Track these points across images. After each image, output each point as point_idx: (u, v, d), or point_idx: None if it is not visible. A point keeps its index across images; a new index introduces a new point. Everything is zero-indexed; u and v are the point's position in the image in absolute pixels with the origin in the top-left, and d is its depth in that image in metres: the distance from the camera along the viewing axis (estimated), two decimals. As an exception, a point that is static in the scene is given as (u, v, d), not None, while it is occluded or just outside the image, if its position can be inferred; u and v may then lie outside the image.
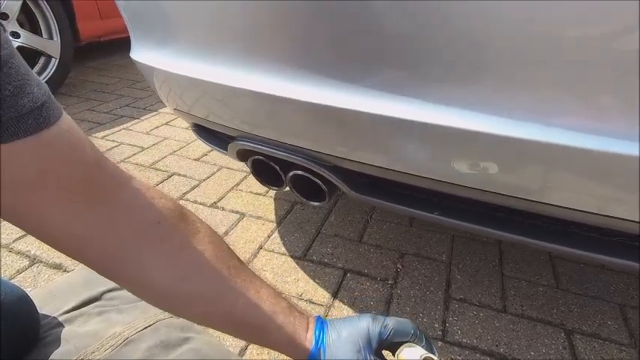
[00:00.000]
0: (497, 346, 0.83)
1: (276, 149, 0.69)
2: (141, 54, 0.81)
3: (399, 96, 0.52)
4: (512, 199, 0.56)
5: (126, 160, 1.58)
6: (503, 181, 0.54)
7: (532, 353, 0.81)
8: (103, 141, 1.75)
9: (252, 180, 1.46)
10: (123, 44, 3.29)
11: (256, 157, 0.79)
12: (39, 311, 0.73)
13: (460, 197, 0.63)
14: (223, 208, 1.28)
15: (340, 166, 0.65)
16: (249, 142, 0.73)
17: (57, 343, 0.71)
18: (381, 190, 0.69)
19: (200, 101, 0.76)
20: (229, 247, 0.51)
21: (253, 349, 0.80)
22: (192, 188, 1.40)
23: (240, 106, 0.69)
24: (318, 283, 0.98)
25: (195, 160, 1.61)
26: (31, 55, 2.10)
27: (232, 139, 0.79)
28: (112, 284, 0.81)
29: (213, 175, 1.49)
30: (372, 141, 0.57)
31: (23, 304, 0.69)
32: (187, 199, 1.33)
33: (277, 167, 0.77)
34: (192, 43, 0.70)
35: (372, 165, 0.60)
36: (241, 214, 1.25)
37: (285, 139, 0.67)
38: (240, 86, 0.64)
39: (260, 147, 0.71)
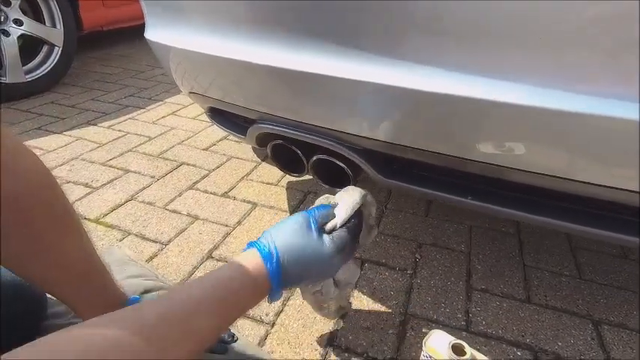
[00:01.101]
0: (523, 336, 0.81)
1: (301, 132, 0.66)
2: (156, 33, 0.78)
3: (436, 68, 0.49)
4: (542, 178, 0.54)
5: (133, 150, 1.55)
6: (533, 157, 0.52)
7: (559, 344, 0.79)
8: (109, 130, 1.72)
9: (262, 170, 1.43)
10: (125, 35, 3.26)
11: (277, 141, 0.76)
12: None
13: (493, 179, 0.60)
14: (235, 198, 1.26)
15: (369, 149, 0.63)
16: (272, 124, 0.70)
17: None
18: (410, 174, 0.66)
19: (219, 81, 0.73)
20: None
21: (273, 340, 0.78)
22: (202, 178, 1.37)
23: (262, 84, 0.66)
24: (335, 273, 0.96)
25: (203, 149, 1.58)
26: (33, 44, 2.06)
27: (252, 122, 0.76)
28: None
29: (222, 164, 1.47)
30: (410, 119, 0.54)
31: (31, 287, 0.67)
32: (198, 189, 1.30)
33: (299, 152, 0.74)
34: (211, 19, 0.67)
35: (408, 146, 0.57)
36: (253, 204, 1.23)
37: (311, 120, 0.64)
38: (263, 62, 0.61)
39: (284, 130, 0.68)
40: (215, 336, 0.50)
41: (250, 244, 0.55)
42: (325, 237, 0.56)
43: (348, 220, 0.56)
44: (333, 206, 0.59)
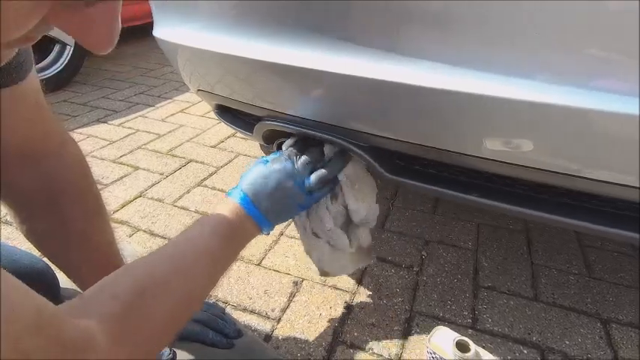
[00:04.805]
0: (529, 334, 0.80)
1: (307, 128, 0.66)
2: (164, 31, 0.78)
3: (440, 64, 0.49)
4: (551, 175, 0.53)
5: (143, 147, 1.57)
6: (540, 154, 0.52)
7: (567, 342, 0.78)
8: (119, 128, 1.74)
9: (270, 167, 1.44)
10: (135, 33, 3.29)
11: (283, 139, 0.76)
12: (61, 285, 0.72)
13: (499, 176, 0.60)
14: (242, 195, 1.27)
15: (375, 146, 0.63)
16: (278, 121, 0.70)
17: None
18: (417, 172, 0.66)
19: (226, 79, 0.74)
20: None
21: (279, 336, 0.79)
22: (210, 175, 1.39)
23: (268, 81, 0.67)
24: (341, 270, 0.96)
25: (212, 147, 1.59)
26: (46, 42, 2.10)
27: (259, 119, 0.76)
28: None
29: (230, 161, 1.48)
30: (415, 116, 0.54)
31: (43, 275, 0.68)
32: (206, 186, 1.31)
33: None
34: (217, 16, 0.67)
35: (414, 143, 0.57)
36: (261, 201, 1.23)
37: (316, 117, 0.64)
38: (269, 59, 0.62)
39: (290, 126, 0.68)
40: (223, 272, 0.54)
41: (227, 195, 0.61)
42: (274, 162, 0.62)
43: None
44: None
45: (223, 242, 0.53)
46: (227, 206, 0.57)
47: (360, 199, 0.66)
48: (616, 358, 0.76)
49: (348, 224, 0.71)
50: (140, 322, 0.39)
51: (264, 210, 0.58)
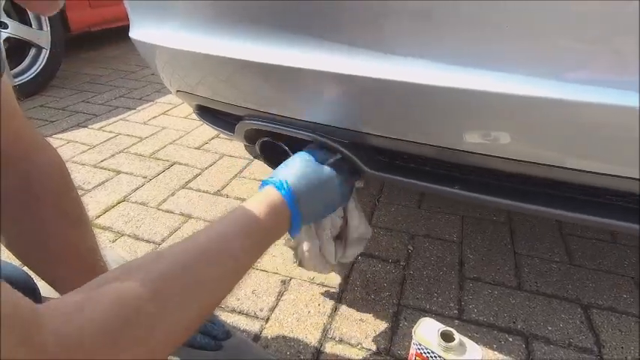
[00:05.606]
0: (514, 322, 0.82)
1: (287, 127, 0.66)
2: (141, 32, 0.77)
3: (417, 60, 0.50)
4: (531, 167, 0.54)
5: (125, 151, 1.55)
6: (518, 145, 0.52)
7: (549, 328, 0.80)
8: (100, 132, 1.71)
9: (254, 167, 1.43)
10: (115, 35, 3.23)
11: (265, 139, 0.76)
12: (42, 295, 0.71)
13: (480, 169, 0.61)
14: (227, 196, 1.26)
15: (356, 142, 0.63)
16: (258, 120, 0.70)
17: None
18: (398, 167, 0.67)
19: (205, 79, 0.73)
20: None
21: (267, 335, 0.79)
22: (195, 177, 1.37)
23: (249, 81, 0.66)
24: (329, 267, 0.97)
25: (195, 148, 1.58)
26: (21, 47, 2.04)
27: (239, 119, 0.76)
28: None
29: (215, 163, 1.47)
30: (395, 112, 0.54)
31: (23, 284, 0.67)
32: (190, 188, 1.30)
33: (287, 148, 0.74)
34: (196, 15, 0.67)
35: (394, 138, 0.57)
36: (246, 201, 1.23)
37: (296, 115, 0.64)
38: (247, 58, 0.61)
39: (270, 125, 0.68)
40: (249, 267, 0.50)
41: (264, 183, 0.58)
42: (326, 165, 0.61)
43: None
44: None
45: (253, 244, 0.49)
46: (268, 199, 0.53)
47: (362, 217, 0.73)
48: (597, 341, 0.78)
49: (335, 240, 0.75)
50: (137, 331, 0.35)
51: (306, 208, 0.55)
